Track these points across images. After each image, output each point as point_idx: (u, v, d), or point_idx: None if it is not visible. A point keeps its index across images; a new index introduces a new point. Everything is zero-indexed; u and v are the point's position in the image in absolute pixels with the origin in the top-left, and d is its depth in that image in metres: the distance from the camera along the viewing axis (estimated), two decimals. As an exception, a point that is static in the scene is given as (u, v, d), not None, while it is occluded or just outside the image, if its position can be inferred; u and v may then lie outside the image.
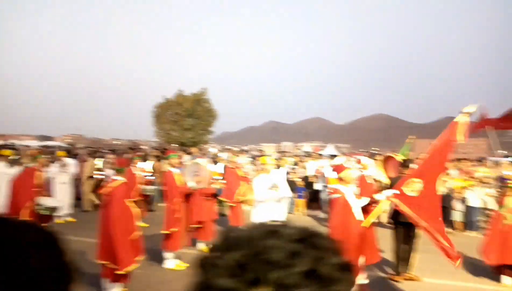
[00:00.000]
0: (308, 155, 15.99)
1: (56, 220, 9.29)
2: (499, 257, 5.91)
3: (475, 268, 6.65)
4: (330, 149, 27.70)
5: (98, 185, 11.32)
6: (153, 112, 25.02)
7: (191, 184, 6.41)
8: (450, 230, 9.63)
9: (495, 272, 6.13)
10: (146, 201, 10.01)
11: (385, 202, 4.42)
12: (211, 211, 7.60)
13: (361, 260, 4.31)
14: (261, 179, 6.65)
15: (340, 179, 4.25)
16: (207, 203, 7.45)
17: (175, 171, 6.58)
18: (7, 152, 9.21)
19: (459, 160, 13.96)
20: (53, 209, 6.73)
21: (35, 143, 28.06)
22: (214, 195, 7.63)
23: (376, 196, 4.56)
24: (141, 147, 24.46)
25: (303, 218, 11.42)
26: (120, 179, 5.22)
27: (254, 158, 14.08)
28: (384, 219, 7.43)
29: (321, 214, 11.55)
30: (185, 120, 23.92)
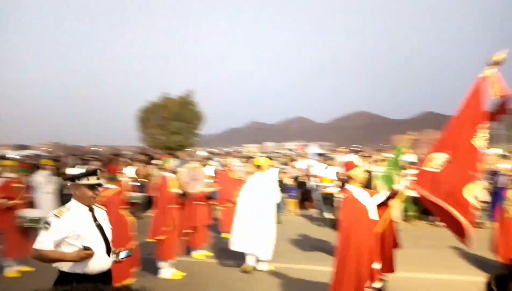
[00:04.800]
0: (298, 154, 15.92)
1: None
2: (505, 252, 5.84)
3: (473, 261, 6.65)
4: (314, 148, 27.80)
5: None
6: (137, 117, 24.46)
7: (199, 188, 6.20)
8: (436, 222, 9.69)
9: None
10: (134, 209, 9.66)
11: (405, 192, 4.15)
12: (205, 215, 7.38)
13: (376, 266, 3.97)
14: (255, 179, 6.51)
15: (349, 177, 4.08)
16: (200, 208, 7.24)
17: (169, 175, 6.32)
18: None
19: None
20: (38, 221, 6.35)
21: (12, 153, 27.11)
22: (208, 199, 7.41)
23: (398, 188, 4.28)
24: (124, 152, 23.94)
25: (295, 218, 11.30)
26: (113, 187, 4.96)
27: (247, 159, 13.89)
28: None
29: (314, 213, 11.46)
30: (172, 124, 23.47)
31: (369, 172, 5.56)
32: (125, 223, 5.00)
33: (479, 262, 6.54)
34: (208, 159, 11.88)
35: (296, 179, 12.06)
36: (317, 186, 10.89)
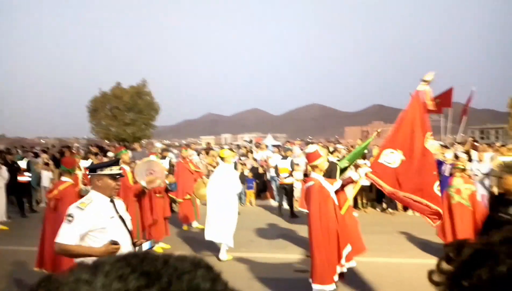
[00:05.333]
0: (257, 146, 16.05)
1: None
2: (451, 235, 6.36)
3: (421, 245, 7.14)
4: (269, 139, 28.18)
5: (22, 189, 10.35)
6: (88, 107, 23.30)
7: (143, 183, 6.06)
8: (392, 210, 10.27)
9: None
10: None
11: (362, 180, 4.47)
12: (164, 208, 7.29)
13: (348, 249, 4.30)
14: (220, 171, 6.59)
15: (314, 167, 4.24)
16: (159, 200, 7.14)
17: (126, 168, 6.17)
18: None
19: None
20: None
21: None
22: (166, 191, 7.32)
23: (352, 175, 4.61)
24: (75, 144, 22.83)
25: (254, 208, 11.46)
26: (69, 180, 4.77)
27: (208, 150, 13.80)
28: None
29: (272, 203, 11.68)
30: (125, 115, 22.64)
31: (332, 162, 5.83)
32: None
33: (427, 246, 7.02)
34: (165, 150, 11.65)
35: (254, 170, 12.19)
36: (274, 176, 11.08)
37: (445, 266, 0.54)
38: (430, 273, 0.55)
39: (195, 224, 8.77)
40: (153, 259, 0.42)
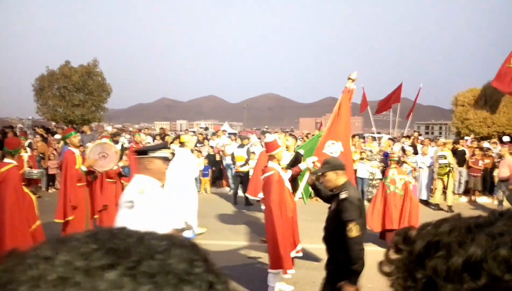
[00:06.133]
0: (215, 133, 15.93)
1: None
2: (381, 224, 6.75)
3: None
4: (226, 127, 28.13)
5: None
6: (34, 86, 21.74)
7: (110, 165, 5.84)
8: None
9: (381, 237, 6.95)
10: (33, 187, 8.79)
11: (310, 169, 4.63)
12: (117, 193, 7.06)
13: (296, 234, 4.55)
14: (180, 155, 6.60)
15: (272, 157, 4.29)
16: (111, 185, 6.90)
17: (76, 151, 5.86)
18: None
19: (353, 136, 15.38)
20: None
21: None
22: (120, 176, 7.08)
23: (301, 165, 4.77)
24: (18, 125, 21.37)
25: (209, 196, 11.44)
26: (12, 161, 4.47)
27: (163, 136, 13.47)
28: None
29: (227, 191, 11.72)
30: (74, 96, 21.40)
31: (297, 152, 6.01)
32: (30, 200, 4.57)
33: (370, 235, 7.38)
34: (116, 134, 11.22)
35: (210, 157, 12.13)
36: (231, 164, 11.11)
37: (393, 256, 0.55)
38: (380, 264, 0.56)
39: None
40: (126, 236, 0.38)
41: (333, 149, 4.92)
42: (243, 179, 10.22)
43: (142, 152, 2.86)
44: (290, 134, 8.31)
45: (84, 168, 5.70)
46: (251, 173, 10.55)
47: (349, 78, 5.15)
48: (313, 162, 4.53)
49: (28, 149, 9.38)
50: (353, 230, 2.88)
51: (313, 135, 11.33)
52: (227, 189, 11.94)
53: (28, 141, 9.97)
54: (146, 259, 0.35)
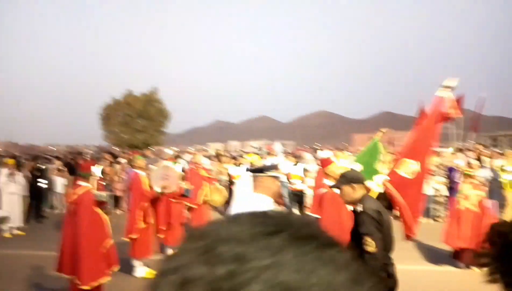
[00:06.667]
0: (268, 153, 16.10)
1: (4, 234, 8.47)
2: (456, 241, 6.31)
3: (431, 252, 7.10)
4: (277, 146, 28.13)
5: (39, 195, 10.52)
6: (100, 115, 23.62)
7: (172, 186, 6.16)
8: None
9: (454, 257, 6.51)
10: (101, 208, 9.43)
11: (378, 188, 4.40)
12: (179, 213, 7.36)
13: None
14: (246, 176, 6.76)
15: (326, 174, 4.25)
16: (175, 206, 7.21)
17: (141, 173, 6.25)
18: None
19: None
20: (1, 220, 6.08)
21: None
22: (182, 197, 7.38)
23: (368, 183, 4.53)
24: (86, 151, 23.09)
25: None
26: (87, 184, 4.85)
27: (219, 157, 13.88)
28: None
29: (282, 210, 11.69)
30: (136, 122, 22.90)
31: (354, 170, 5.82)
32: (101, 221, 4.91)
33: (433, 252, 6.98)
34: (176, 157, 11.75)
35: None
36: (285, 183, 11.11)
37: (487, 250, 0.59)
38: (477, 256, 0.60)
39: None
40: (278, 213, 0.44)
41: (409, 169, 4.32)
42: (298, 197, 10.16)
43: (258, 170, 2.96)
44: (342, 152, 8.22)
45: (158, 189, 6.02)
46: (306, 191, 10.48)
47: (445, 86, 4.40)
48: (383, 182, 4.27)
49: (97, 173, 10.13)
50: (369, 245, 2.76)
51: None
52: (282, 207, 11.92)
53: (101, 167, 10.77)
54: (304, 227, 0.41)
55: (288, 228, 0.40)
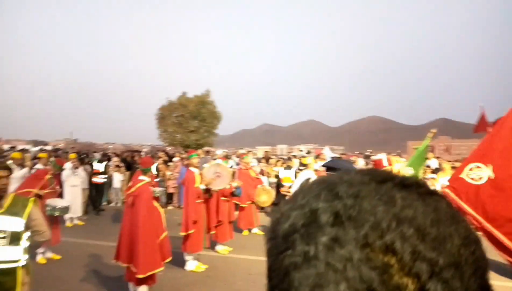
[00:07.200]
0: (316, 157, 15.98)
1: (67, 224, 9.16)
2: None
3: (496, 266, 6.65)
4: (327, 151, 27.75)
5: (98, 189, 11.24)
6: (157, 115, 24.91)
7: (223, 184, 6.39)
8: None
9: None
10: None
11: None
12: (230, 212, 7.53)
13: None
14: (304, 176, 6.87)
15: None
16: (225, 204, 7.40)
17: (195, 171, 6.49)
18: (16, 154, 9.11)
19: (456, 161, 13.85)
20: (64, 210, 6.55)
21: (31, 148, 27.62)
22: (232, 195, 7.55)
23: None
24: (144, 150, 24.31)
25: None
26: (146, 179, 5.13)
27: (267, 159, 14.03)
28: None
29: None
30: (190, 123, 23.83)
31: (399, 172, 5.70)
32: (158, 214, 5.17)
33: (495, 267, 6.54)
34: (227, 157, 12.04)
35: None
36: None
37: None
38: None
39: (254, 230, 8.93)
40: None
41: (476, 174, 3.97)
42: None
43: (331, 168, 2.91)
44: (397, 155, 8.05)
45: (202, 186, 6.27)
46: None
47: None
48: (442, 187, 4.06)
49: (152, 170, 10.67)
50: None
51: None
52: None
53: (155, 164, 11.33)
54: (407, 178, 0.47)
55: (393, 178, 0.46)
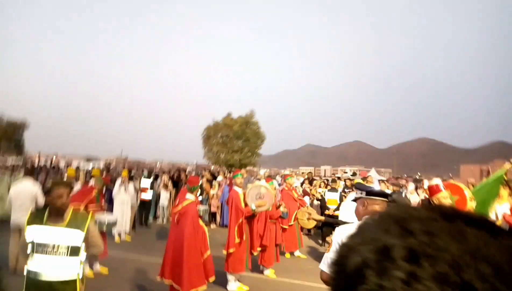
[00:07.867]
0: (363, 179, 15.54)
1: (116, 239, 9.44)
2: None
3: None
4: (373, 173, 26.91)
5: (145, 206, 11.56)
6: (202, 135, 25.75)
7: (253, 206, 6.31)
8: None
9: None
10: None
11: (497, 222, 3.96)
12: (276, 234, 7.40)
13: None
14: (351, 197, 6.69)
15: (433, 202, 3.97)
16: (272, 226, 7.26)
17: (239, 190, 6.51)
18: (71, 171, 9.65)
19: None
20: (111, 225, 6.73)
21: (84, 164, 29.22)
22: (279, 218, 7.43)
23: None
24: (188, 169, 24.93)
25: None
26: (192, 197, 5.22)
27: (311, 180, 13.84)
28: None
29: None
30: (234, 143, 24.38)
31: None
32: (204, 232, 5.22)
33: None
34: (270, 177, 12.01)
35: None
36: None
37: None
38: None
39: (297, 253, 8.73)
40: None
41: None
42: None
43: (370, 193, 2.86)
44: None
45: (254, 207, 6.20)
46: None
47: None
48: (503, 215, 3.80)
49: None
50: None
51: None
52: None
53: (200, 183, 11.49)
54: (473, 216, 0.47)
55: (461, 216, 0.47)
